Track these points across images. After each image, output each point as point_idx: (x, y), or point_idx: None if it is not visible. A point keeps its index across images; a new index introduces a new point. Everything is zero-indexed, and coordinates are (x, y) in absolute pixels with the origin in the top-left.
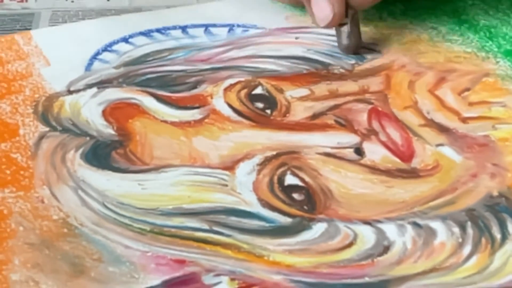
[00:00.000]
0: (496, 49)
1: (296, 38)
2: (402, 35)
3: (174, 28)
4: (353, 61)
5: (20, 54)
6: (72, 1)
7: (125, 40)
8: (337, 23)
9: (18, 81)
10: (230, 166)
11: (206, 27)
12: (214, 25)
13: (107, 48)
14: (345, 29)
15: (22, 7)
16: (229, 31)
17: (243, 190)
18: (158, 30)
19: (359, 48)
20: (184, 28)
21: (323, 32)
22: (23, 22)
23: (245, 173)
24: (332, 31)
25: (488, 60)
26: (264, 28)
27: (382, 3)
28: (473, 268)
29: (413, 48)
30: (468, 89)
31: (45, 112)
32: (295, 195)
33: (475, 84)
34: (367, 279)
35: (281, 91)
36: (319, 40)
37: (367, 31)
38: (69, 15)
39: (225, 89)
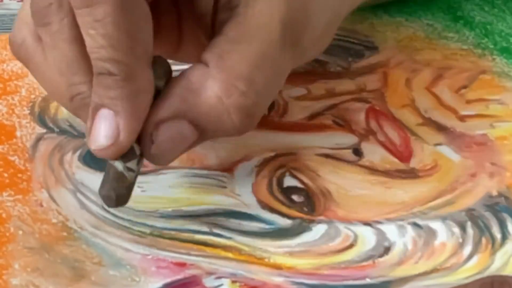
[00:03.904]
0: (492, 46)
1: None
2: (398, 33)
3: None
4: (350, 58)
5: None
6: None
7: None
8: (117, 155)
9: (14, 81)
10: (228, 168)
11: None
12: None
13: None
14: (119, 168)
15: None
16: None
17: (243, 192)
18: None
19: (125, 202)
20: None
21: None
22: None
23: (244, 174)
24: None
25: (484, 57)
26: None
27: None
28: (474, 268)
29: (409, 45)
30: (465, 87)
31: (42, 113)
32: (295, 197)
33: (472, 81)
34: (368, 281)
35: None
36: None
37: (362, 28)
38: None
39: None
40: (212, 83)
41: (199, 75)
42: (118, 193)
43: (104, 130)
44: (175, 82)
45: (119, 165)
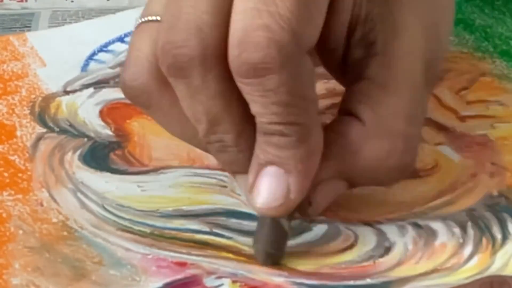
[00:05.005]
0: (492, 49)
1: None
2: None
3: None
4: None
5: (16, 55)
6: (72, 1)
7: (121, 39)
8: (283, 215)
9: (14, 82)
10: None
11: None
12: None
13: (102, 49)
14: (285, 227)
15: (22, 7)
16: None
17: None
18: None
19: (281, 259)
20: None
21: None
22: (23, 21)
23: None
24: None
25: (484, 60)
26: None
27: None
28: (474, 268)
29: None
30: (465, 88)
31: (42, 113)
32: None
33: (472, 83)
34: (369, 281)
35: None
36: None
37: None
38: (69, 14)
39: None
40: (371, 145)
41: (357, 134)
42: (282, 252)
43: (274, 189)
44: (332, 139)
45: (285, 223)
